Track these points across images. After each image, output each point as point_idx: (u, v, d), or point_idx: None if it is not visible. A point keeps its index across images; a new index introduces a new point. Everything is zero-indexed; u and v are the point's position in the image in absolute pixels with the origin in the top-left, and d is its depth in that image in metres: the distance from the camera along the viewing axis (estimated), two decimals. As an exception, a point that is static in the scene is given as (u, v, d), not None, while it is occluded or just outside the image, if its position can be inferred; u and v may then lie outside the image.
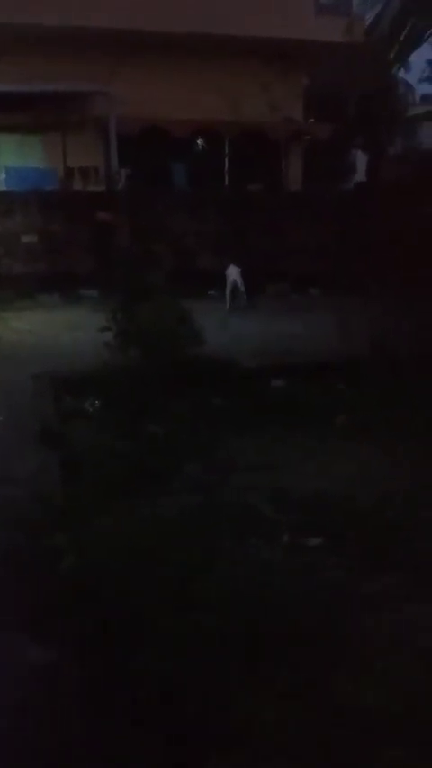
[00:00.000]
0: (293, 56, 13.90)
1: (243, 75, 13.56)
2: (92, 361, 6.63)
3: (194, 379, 6.27)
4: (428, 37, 5.92)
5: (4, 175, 13.26)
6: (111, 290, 9.60)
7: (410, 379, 6.47)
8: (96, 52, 12.66)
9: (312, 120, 16.16)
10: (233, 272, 11.20)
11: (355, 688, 2.49)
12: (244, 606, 2.95)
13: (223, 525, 3.79)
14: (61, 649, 2.59)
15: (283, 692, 2.47)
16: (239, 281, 11.13)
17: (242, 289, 11.13)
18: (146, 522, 3.77)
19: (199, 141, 15.01)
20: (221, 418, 5.72)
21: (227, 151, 14.75)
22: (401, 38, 5.68)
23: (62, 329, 9.24)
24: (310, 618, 2.93)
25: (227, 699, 2.42)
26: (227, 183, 14.91)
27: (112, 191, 13.14)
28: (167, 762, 2.20)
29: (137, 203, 12.85)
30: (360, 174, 17.70)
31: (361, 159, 18.13)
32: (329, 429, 5.59)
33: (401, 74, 18.81)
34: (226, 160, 14.82)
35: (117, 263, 9.07)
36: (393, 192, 12.73)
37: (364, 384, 6.49)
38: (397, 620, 2.94)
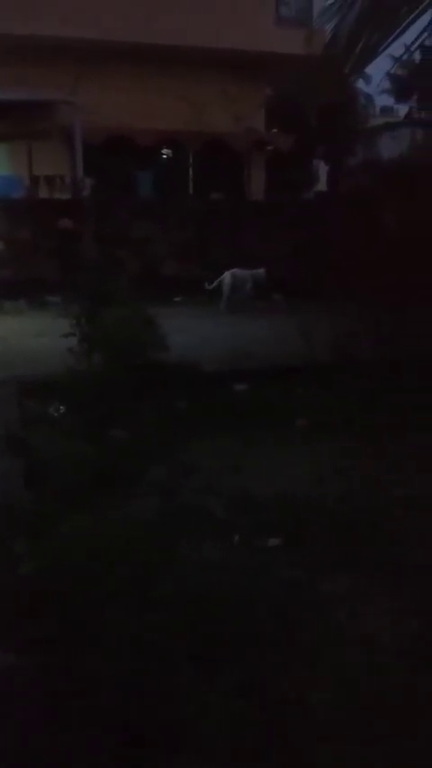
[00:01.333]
0: (255, 67, 14.14)
1: (206, 86, 13.77)
2: (57, 366, 6.61)
3: (158, 384, 6.33)
4: (384, 49, 6.11)
5: (-30, 183, 13.26)
6: (75, 297, 9.69)
7: (370, 382, 6.61)
8: (62, 61, 12.74)
9: (275, 130, 16.42)
10: (236, 275, 11.66)
11: (306, 686, 2.55)
12: (201, 607, 2.99)
13: (184, 528, 3.83)
14: (18, 654, 2.66)
15: (234, 691, 2.53)
16: (245, 283, 11.57)
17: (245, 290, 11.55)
18: (107, 525, 3.79)
19: (163, 151, 15.16)
20: (185, 422, 5.77)
21: (191, 161, 14.92)
22: (357, 50, 5.83)
23: (28, 335, 9.22)
24: (266, 617, 2.98)
25: (181, 699, 2.48)
26: (191, 192, 15.07)
27: (78, 199, 13.21)
28: (121, 763, 2.25)
29: (102, 211, 12.94)
30: (322, 184, 18.01)
31: (323, 169, 18.47)
32: (291, 432, 5.68)
33: (362, 86, 19.30)
34: (190, 170, 14.99)
35: (81, 270, 9.12)
36: (353, 201, 13.03)
37: (324, 387, 6.61)
38: (352, 620, 3.01)
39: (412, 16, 5.90)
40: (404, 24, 5.96)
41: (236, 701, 2.47)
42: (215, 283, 11.79)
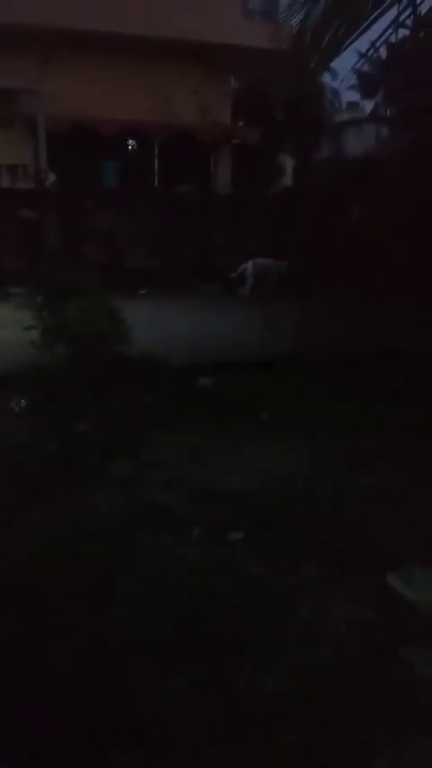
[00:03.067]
0: (222, 59, 14.09)
1: (172, 77, 13.69)
2: (19, 359, 6.54)
3: (122, 378, 6.27)
4: (348, 45, 6.12)
5: None
6: (38, 288, 9.57)
7: (334, 376, 6.69)
8: (25, 49, 12.55)
9: (241, 123, 16.40)
10: (258, 264, 12.03)
11: (262, 678, 2.57)
12: (162, 602, 3.00)
13: (145, 522, 3.81)
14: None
15: (191, 684, 2.53)
16: (266, 273, 11.97)
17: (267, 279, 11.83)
18: (68, 520, 3.78)
19: (129, 141, 15.03)
20: (148, 416, 5.72)
21: (156, 152, 14.83)
22: (323, 45, 5.81)
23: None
24: (227, 611, 2.99)
25: (138, 694, 2.48)
26: (156, 183, 14.98)
27: (41, 189, 13.03)
28: (76, 755, 2.24)
29: (64, 202, 12.79)
30: (287, 179, 18.04)
31: (288, 164, 18.48)
32: (254, 425, 5.66)
33: (328, 81, 19.34)
34: (155, 161, 14.90)
35: (44, 261, 9.01)
36: (319, 196, 13.08)
37: (288, 381, 6.63)
38: (312, 612, 3.02)
39: (377, 12, 5.92)
40: (369, 20, 5.98)
41: (194, 695, 2.47)
42: (238, 271, 12.18)
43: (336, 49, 6.18)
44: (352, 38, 6.03)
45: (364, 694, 2.51)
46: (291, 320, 8.45)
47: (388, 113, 22.26)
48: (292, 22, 7.11)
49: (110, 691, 2.48)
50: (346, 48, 6.19)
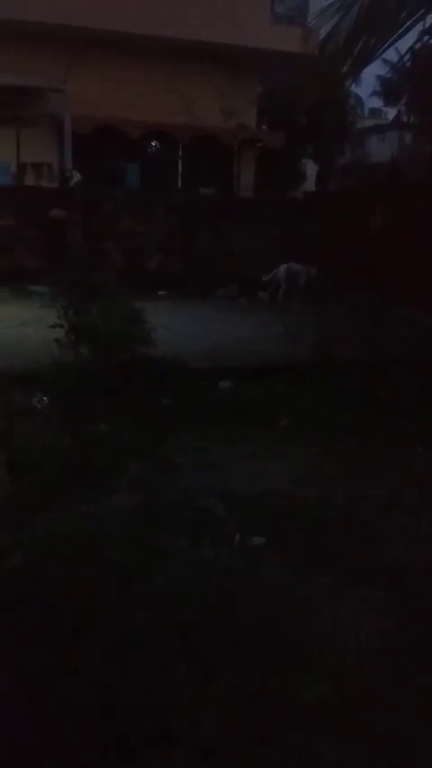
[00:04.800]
0: (248, 63, 14.10)
1: (199, 80, 13.72)
2: (41, 357, 6.50)
3: (143, 379, 6.26)
4: (381, 53, 6.14)
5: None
6: (61, 287, 9.60)
7: (357, 382, 6.63)
8: (53, 48, 12.61)
9: (264, 127, 16.40)
10: (291, 269, 12.23)
11: (295, 684, 2.54)
12: (186, 605, 2.99)
13: (165, 525, 3.80)
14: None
15: (224, 689, 2.51)
16: (298, 277, 12.13)
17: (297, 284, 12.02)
18: (87, 521, 3.77)
19: (153, 143, 15.08)
20: (168, 418, 5.72)
21: (180, 154, 14.86)
22: (355, 52, 5.83)
23: (10, 325, 9.06)
24: (249, 616, 2.98)
25: (168, 697, 2.46)
26: (179, 186, 15.00)
27: (65, 188, 13.09)
28: (107, 762, 2.22)
29: (88, 202, 12.84)
30: (308, 184, 18.03)
31: (309, 169, 18.47)
32: (273, 431, 5.63)
33: (352, 87, 19.31)
34: (179, 163, 14.93)
35: (70, 261, 9.04)
36: (343, 201, 13.08)
37: (307, 387, 6.60)
38: (333, 619, 3.00)
39: (412, 20, 5.94)
40: (403, 28, 6.00)
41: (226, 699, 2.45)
42: (270, 275, 12.26)
43: (368, 56, 6.21)
44: (385, 45, 6.07)
45: (396, 702, 2.50)
46: (314, 325, 8.44)
47: (411, 120, 22.20)
48: (323, 29, 7.14)
49: (139, 694, 2.47)
50: (379, 55, 6.24)
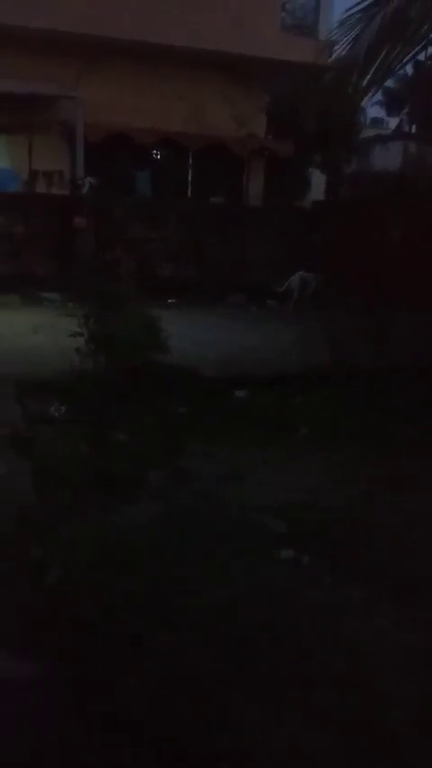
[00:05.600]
0: (258, 72, 14.14)
1: (209, 89, 13.75)
2: (56, 365, 6.54)
3: (160, 387, 6.25)
4: (404, 65, 6.18)
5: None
6: (73, 294, 9.58)
7: (373, 391, 6.59)
8: (65, 56, 12.63)
9: (270, 136, 16.41)
10: (304, 278, 12.32)
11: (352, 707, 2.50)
12: (223, 621, 2.95)
13: (196, 537, 3.75)
14: (44, 666, 2.57)
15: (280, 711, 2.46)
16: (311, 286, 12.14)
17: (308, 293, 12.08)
18: (111, 532, 3.73)
19: (163, 151, 15.11)
20: (187, 427, 5.68)
21: (190, 163, 14.89)
22: (375, 65, 5.84)
23: (22, 332, 9.03)
24: (286, 629, 2.94)
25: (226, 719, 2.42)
26: (189, 194, 15.03)
27: (77, 196, 13.11)
28: None
29: (99, 209, 12.85)
30: (314, 193, 18.05)
31: (317, 178, 18.49)
32: (291, 439, 5.60)
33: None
34: (189, 171, 14.96)
35: (88, 270, 9.04)
36: (352, 210, 13.10)
37: (323, 395, 6.57)
38: (365, 632, 2.97)
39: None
40: (427, 39, 6.01)
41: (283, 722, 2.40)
42: (285, 285, 12.36)
43: (390, 67, 6.23)
44: (408, 57, 6.07)
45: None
46: (326, 334, 8.42)
47: (413, 130, 22.27)
48: (341, 40, 7.15)
49: (189, 715, 2.41)
50: (402, 67, 6.25)
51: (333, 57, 7.90)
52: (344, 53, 6.95)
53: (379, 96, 25.48)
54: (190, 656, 2.71)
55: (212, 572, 3.41)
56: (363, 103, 12.19)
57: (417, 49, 5.79)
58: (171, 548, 3.62)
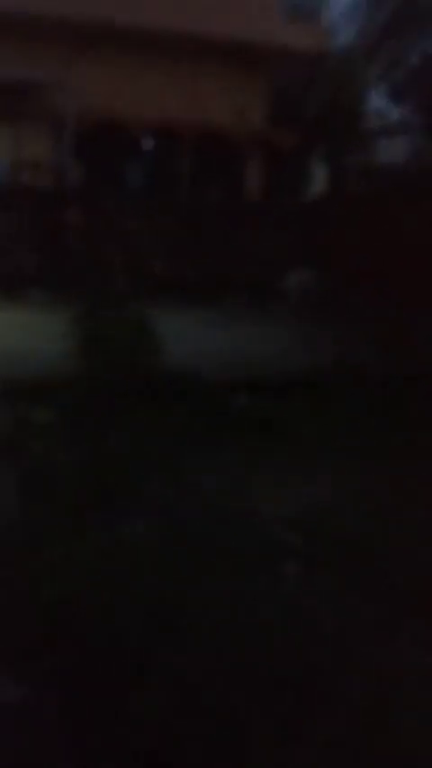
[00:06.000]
0: (258, 60, 13.70)
1: (207, 77, 13.34)
2: (45, 366, 6.28)
3: (155, 392, 5.93)
4: (415, 53, 5.75)
5: None
6: (63, 292, 9.32)
7: (376, 397, 6.31)
8: (55, 43, 12.19)
9: (271, 126, 15.98)
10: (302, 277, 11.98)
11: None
12: (230, 643, 2.71)
13: (199, 551, 3.49)
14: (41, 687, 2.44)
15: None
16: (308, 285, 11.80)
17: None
18: (108, 548, 3.48)
19: (158, 141, 14.65)
20: (186, 434, 5.33)
21: (186, 153, 14.43)
22: (387, 52, 5.41)
23: (7, 330, 8.64)
24: (289, 646, 2.72)
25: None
26: (185, 186, 14.59)
27: (64, 187, 12.67)
28: None
29: (88, 202, 12.42)
30: (316, 187, 17.67)
31: (318, 172, 18.12)
32: (296, 448, 5.22)
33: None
34: (184, 162, 14.50)
35: (71, 265, 8.70)
36: (357, 207, 12.71)
37: (326, 400, 6.24)
38: (371, 652, 2.75)
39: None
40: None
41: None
42: (286, 285, 12.06)
43: (400, 57, 5.73)
44: (418, 46, 5.57)
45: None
46: (328, 336, 8.20)
47: (419, 122, 21.94)
48: (347, 28, 6.71)
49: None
50: (412, 56, 5.77)
51: (338, 44, 7.48)
52: (349, 41, 6.49)
53: (384, 86, 25.19)
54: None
55: (219, 587, 3.14)
56: (367, 91, 11.83)
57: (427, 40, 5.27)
58: (174, 563, 3.35)
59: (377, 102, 24.13)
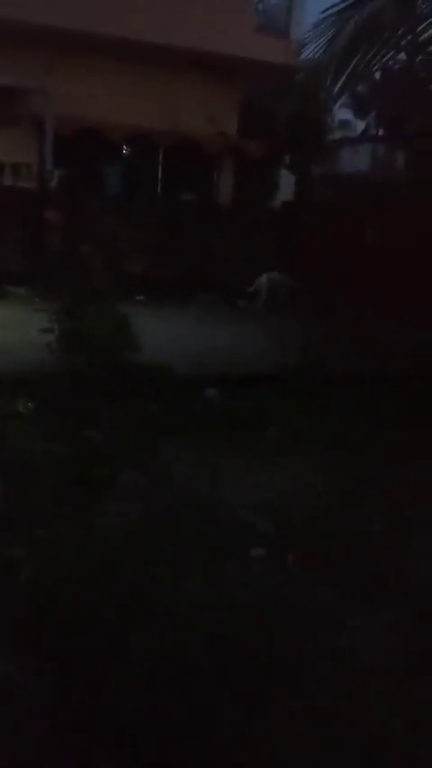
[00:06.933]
0: (230, 71, 14.10)
1: (181, 86, 13.67)
2: (24, 361, 6.46)
3: (130, 386, 6.22)
4: (375, 71, 6.23)
5: None
6: (42, 289, 9.47)
7: (341, 394, 6.67)
8: (35, 49, 12.44)
9: (241, 136, 16.40)
10: (273, 279, 12.29)
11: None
12: (207, 622, 2.94)
13: (170, 537, 3.75)
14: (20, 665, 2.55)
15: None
16: (281, 287, 12.18)
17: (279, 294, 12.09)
18: (84, 536, 3.71)
19: (134, 147, 15.01)
20: (157, 427, 5.67)
21: (160, 160, 14.82)
22: (349, 69, 5.89)
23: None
24: (252, 628, 2.95)
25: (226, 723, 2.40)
26: (159, 191, 14.97)
27: (46, 189, 12.97)
28: None
29: (67, 203, 12.72)
30: (284, 193, 18.10)
31: (285, 179, 18.54)
32: (263, 440, 5.61)
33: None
34: (159, 168, 14.89)
35: (57, 265, 8.95)
36: (325, 211, 13.19)
37: (292, 397, 6.59)
38: (333, 633, 2.98)
39: (409, 36, 6.01)
40: (401, 43, 6.07)
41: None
42: (254, 286, 12.37)
43: (364, 71, 6.28)
44: (382, 60, 6.13)
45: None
46: (296, 335, 8.45)
47: (381, 133, 22.51)
48: (313, 43, 7.21)
49: (185, 720, 2.38)
50: (374, 72, 6.31)
51: (305, 58, 7.95)
52: (317, 55, 7.00)
53: (347, 99, 25.70)
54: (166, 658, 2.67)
55: (189, 571, 3.39)
56: (331, 104, 12.26)
57: (390, 54, 5.83)
58: (148, 549, 3.59)
59: (342, 113, 24.77)
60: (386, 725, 2.42)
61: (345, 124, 30.50)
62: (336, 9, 6.47)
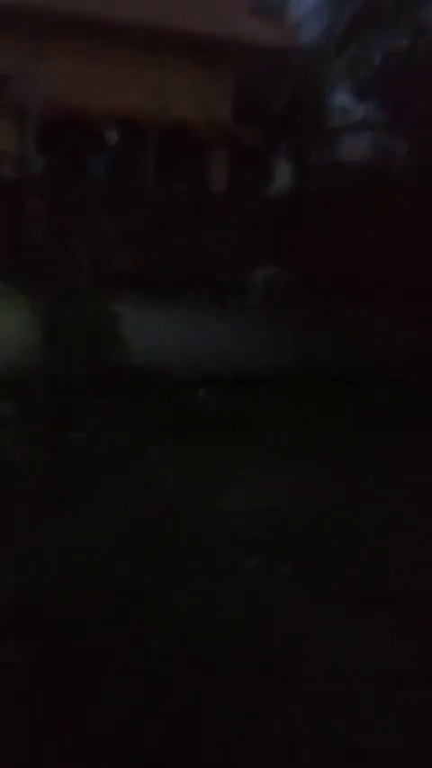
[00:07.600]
0: (224, 55, 13.73)
1: (173, 71, 13.32)
2: (6, 360, 6.26)
3: (118, 385, 6.09)
4: (378, 51, 5.85)
5: None
6: (22, 284, 9.27)
7: (338, 394, 6.48)
8: (18, 32, 12.05)
9: (236, 122, 16.00)
10: (268, 275, 12.05)
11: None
12: (198, 631, 2.80)
13: (159, 544, 3.60)
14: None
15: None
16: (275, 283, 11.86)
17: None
18: (70, 543, 3.56)
19: (123, 134, 14.60)
20: (145, 429, 5.50)
21: (150, 147, 14.41)
22: (349, 53, 5.52)
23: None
24: (247, 639, 2.81)
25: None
26: (148, 179, 14.57)
27: (26, 178, 12.58)
28: None
29: (51, 193, 12.33)
30: (280, 182, 17.74)
31: (281, 168, 18.17)
32: (256, 443, 5.38)
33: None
34: (149, 156, 14.48)
35: (31, 257, 8.68)
36: (324, 203, 12.81)
37: (288, 397, 6.41)
38: (331, 646, 2.79)
39: (408, 19, 5.59)
40: (400, 27, 5.66)
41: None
42: (250, 281, 12.15)
43: (364, 53, 5.86)
44: (381, 43, 5.71)
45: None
46: (291, 333, 8.32)
47: (382, 120, 22.11)
48: (312, 25, 6.82)
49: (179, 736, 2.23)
50: (375, 53, 5.90)
51: (304, 41, 7.58)
52: (315, 38, 6.61)
53: (346, 83, 25.35)
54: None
55: (180, 579, 3.25)
56: (331, 89, 11.94)
57: (390, 38, 5.42)
58: (137, 556, 3.45)
59: (342, 99, 24.37)
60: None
61: (344, 111, 30.20)
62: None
